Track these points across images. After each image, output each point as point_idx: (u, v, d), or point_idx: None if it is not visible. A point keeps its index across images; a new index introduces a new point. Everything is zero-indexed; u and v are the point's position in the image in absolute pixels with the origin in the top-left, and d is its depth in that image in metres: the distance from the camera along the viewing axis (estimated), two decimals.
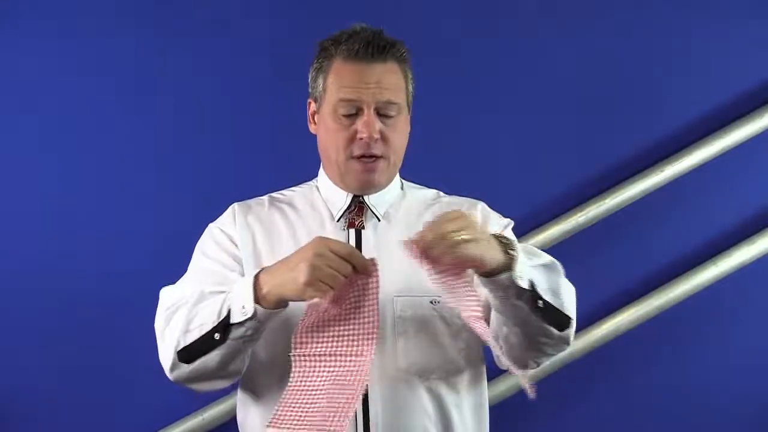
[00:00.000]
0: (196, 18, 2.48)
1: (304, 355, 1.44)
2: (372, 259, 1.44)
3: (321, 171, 1.71)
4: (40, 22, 2.44)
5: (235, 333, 1.45)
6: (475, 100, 2.53)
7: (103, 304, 2.41)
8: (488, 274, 1.43)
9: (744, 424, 2.53)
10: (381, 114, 1.58)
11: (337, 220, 1.64)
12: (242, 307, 1.44)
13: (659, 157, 2.55)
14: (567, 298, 1.53)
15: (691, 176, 2.54)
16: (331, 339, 1.44)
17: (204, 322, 1.47)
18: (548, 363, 1.66)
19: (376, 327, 1.43)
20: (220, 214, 1.70)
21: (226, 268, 1.60)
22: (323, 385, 1.42)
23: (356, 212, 1.64)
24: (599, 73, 2.57)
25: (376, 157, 1.59)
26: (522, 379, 1.40)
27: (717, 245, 2.55)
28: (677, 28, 2.58)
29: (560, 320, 1.51)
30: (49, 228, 2.43)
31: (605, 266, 2.54)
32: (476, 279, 1.46)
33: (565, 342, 1.55)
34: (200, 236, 1.69)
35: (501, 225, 1.68)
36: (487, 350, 1.64)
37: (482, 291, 1.50)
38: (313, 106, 1.67)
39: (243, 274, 1.59)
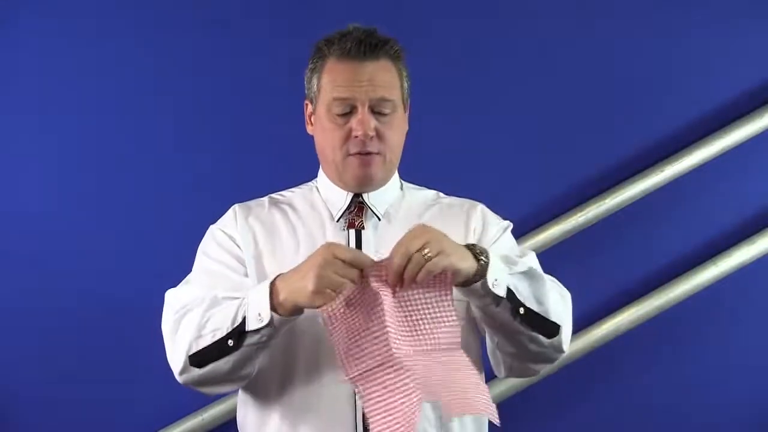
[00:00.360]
0: (196, 18, 2.48)
1: (358, 377, 1.41)
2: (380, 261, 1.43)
3: (320, 172, 1.71)
4: (40, 22, 2.45)
5: (250, 340, 1.46)
6: (475, 100, 2.53)
7: (103, 303, 2.42)
8: (463, 283, 1.43)
9: (744, 424, 2.53)
10: (375, 111, 1.58)
11: (337, 221, 1.64)
12: (258, 315, 1.44)
13: (659, 157, 2.55)
14: (553, 305, 1.51)
15: (691, 176, 2.54)
16: (372, 352, 1.41)
17: (217, 328, 1.47)
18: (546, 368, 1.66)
19: (397, 325, 1.42)
20: (220, 215, 1.70)
21: (230, 270, 1.60)
22: (388, 396, 1.40)
23: (356, 212, 1.64)
24: (599, 73, 2.57)
25: (372, 154, 1.60)
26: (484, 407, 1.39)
27: (717, 245, 2.55)
28: (677, 28, 2.58)
29: (547, 328, 1.50)
30: (49, 228, 2.43)
31: (605, 266, 2.54)
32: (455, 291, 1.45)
33: (558, 350, 1.54)
34: (199, 237, 1.68)
35: (500, 227, 1.68)
36: (485, 352, 1.65)
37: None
38: (309, 108, 1.67)
39: (247, 275, 1.59)
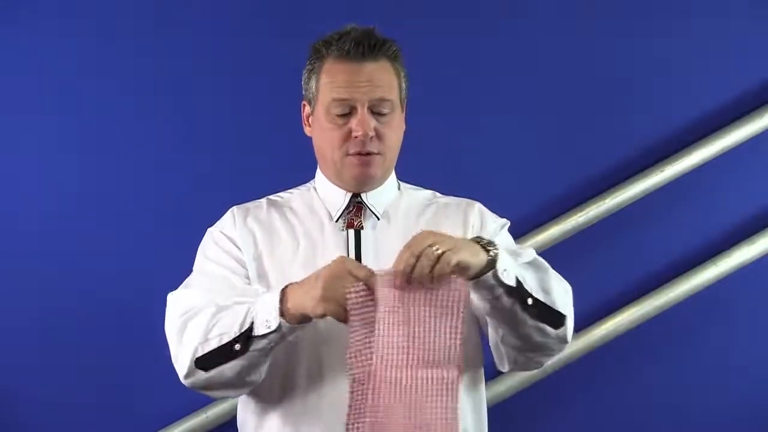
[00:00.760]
0: (196, 18, 2.48)
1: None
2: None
3: (318, 173, 1.71)
4: (40, 22, 2.45)
5: (256, 345, 1.45)
6: (474, 100, 2.53)
7: (103, 303, 2.42)
8: (473, 276, 1.43)
9: (744, 423, 2.53)
10: (375, 112, 1.58)
11: (336, 221, 1.64)
12: (266, 320, 1.44)
13: (659, 157, 2.55)
14: (559, 296, 1.52)
15: (691, 176, 2.54)
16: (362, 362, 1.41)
17: (224, 332, 1.47)
18: (548, 363, 1.66)
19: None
20: (219, 215, 1.69)
21: (231, 272, 1.60)
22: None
23: (355, 212, 1.64)
24: (599, 73, 2.57)
25: (372, 154, 1.60)
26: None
27: (717, 245, 2.55)
28: (677, 28, 2.58)
29: (554, 318, 1.51)
30: (49, 228, 2.43)
31: (605, 266, 2.54)
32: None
33: (563, 340, 1.55)
34: (199, 236, 1.68)
35: (498, 224, 1.68)
36: (486, 351, 1.65)
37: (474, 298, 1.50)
38: (307, 109, 1.67)
39: (248, 277, 1.60)
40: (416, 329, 1.40)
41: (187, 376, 1.51)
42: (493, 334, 1.58)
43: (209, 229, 1.68)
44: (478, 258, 1.41)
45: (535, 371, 2.27)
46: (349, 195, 1.65)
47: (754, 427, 2.53)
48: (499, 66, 2.55)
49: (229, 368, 1.48)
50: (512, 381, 2.41)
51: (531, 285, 1.49)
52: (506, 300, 1.46)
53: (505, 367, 1.63)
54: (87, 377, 2.40)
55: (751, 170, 2.59)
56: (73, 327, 2.41)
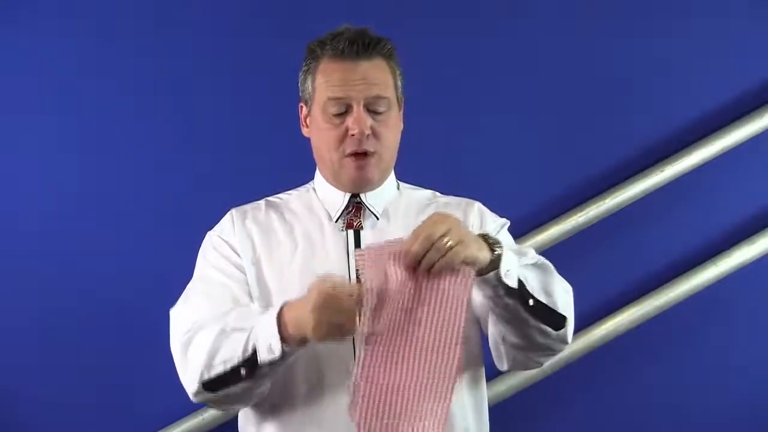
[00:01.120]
0: (196, 18, 2.48)
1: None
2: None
3: (317, 173, 1.71)
4: (40, 22, 2.45)
5: (262, 370, 1.46)
6: (474, 100, 2.53)
7: (103, 303, 2.42)
8: (477, 273, 1.43)
9: (744, 423, 2.53)
10: (371, 110, 1.59)
11: (335, 221, 1.64)
12: (269, 346, 1.44)
13: (659, 157, 2.55)
14: (561, 298, 1.52)
15: (691, 176, 2.54)
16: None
17: (228, 359, 1.47)
18: (548, 363, 1.66)
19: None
20: (219, 216, 1.69)
21: (230, 278, 1.60)
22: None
23: (354, 213, 1.64)
24: (599, 73, 2.57)
25: (368, 154, 1.59)
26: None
27: (717, 245, 2.55)
28: (677, 28, 2.58)
29: (555, 319, 1.51)
30: (49, 228, 2.43)
31: (605, 266, 2.54)
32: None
33: (563, 341, 1.55)
34: (199, 237, 1.68)
35: (498, 224, 1.68)
36: (486, 351, 1.65)
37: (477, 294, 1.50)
38: (304, 109, 1.67)
39: (247, 283, 1.59)
40: (420, 310, 1.40)
41: (195, 395, 1.53)
42: (493, 332, 1.58)
43: (208, 233, 1.68)
44: (484, 254, 1.42)
45: (535, 371, 2.28)
46: (348, 195, 1.65)
47: (754, 427, 2.53)
48: (499, 66, 2.55)
49: (236, 388, 1.49)
50: (513, 381, 2.41)
51: (533, 286, 1.49)
52: (508, 300, 1.47)
53: (504, 366, 1.63)
54: (87, 377, 2.41)
55: (751, 170, 2.59)
56: (73, 327, 2.41)
